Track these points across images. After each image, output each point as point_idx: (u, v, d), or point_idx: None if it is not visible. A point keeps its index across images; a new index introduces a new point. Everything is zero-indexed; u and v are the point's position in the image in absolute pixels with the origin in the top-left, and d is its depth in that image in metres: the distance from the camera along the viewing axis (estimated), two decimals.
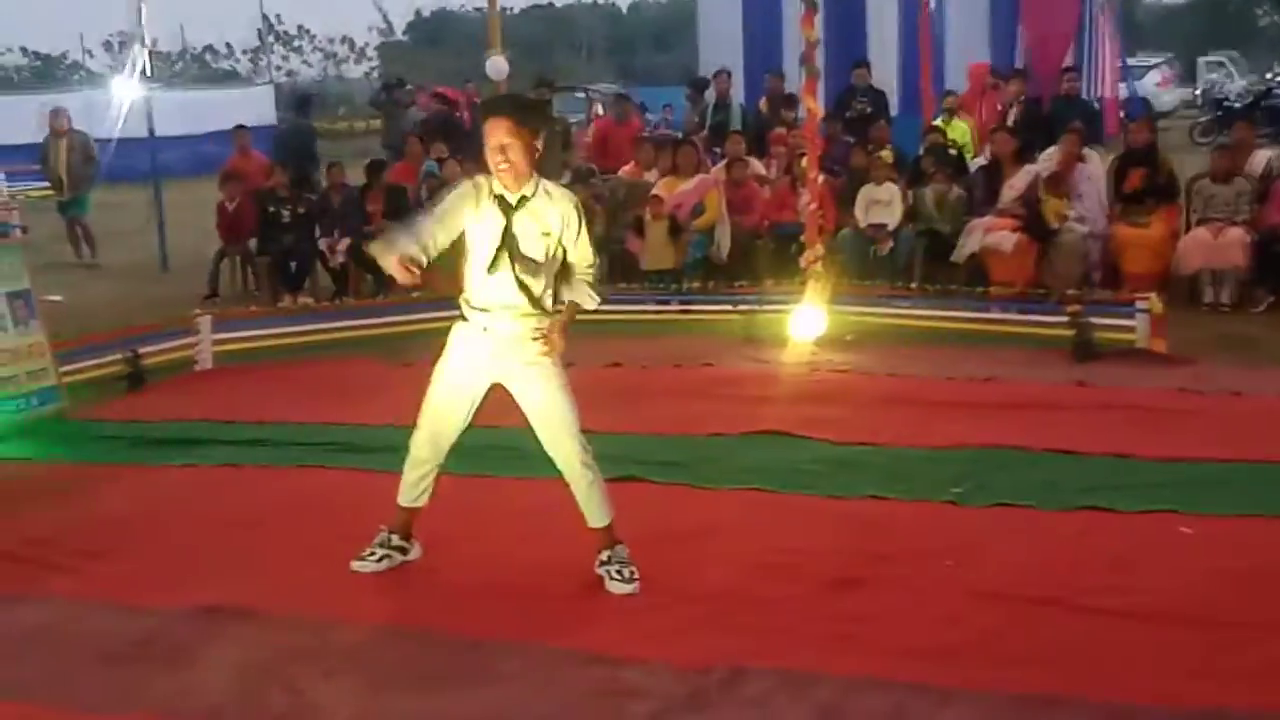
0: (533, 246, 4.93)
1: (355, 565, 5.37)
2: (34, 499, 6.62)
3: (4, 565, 5.63)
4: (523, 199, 4.91)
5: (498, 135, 4.85)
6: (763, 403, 7.90)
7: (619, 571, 5.11)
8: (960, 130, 13.21)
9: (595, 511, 5.17)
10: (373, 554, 5.40)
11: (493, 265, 4.94)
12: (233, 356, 9.64)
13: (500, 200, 4.91)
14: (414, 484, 5.34)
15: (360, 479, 6.71)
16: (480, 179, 4.99)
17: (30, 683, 4.49)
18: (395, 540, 5.43)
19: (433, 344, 9.87)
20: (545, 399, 5.07)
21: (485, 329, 5.05)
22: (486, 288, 5.00)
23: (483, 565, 5.42)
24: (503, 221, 4.90)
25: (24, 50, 58.30)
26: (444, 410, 5.20)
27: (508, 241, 4.91)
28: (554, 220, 4.95)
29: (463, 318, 5.14)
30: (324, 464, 7.01)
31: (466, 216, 4.94)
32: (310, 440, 7.47)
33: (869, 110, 13.84)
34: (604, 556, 5.16)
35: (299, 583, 5.30)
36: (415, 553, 5.48)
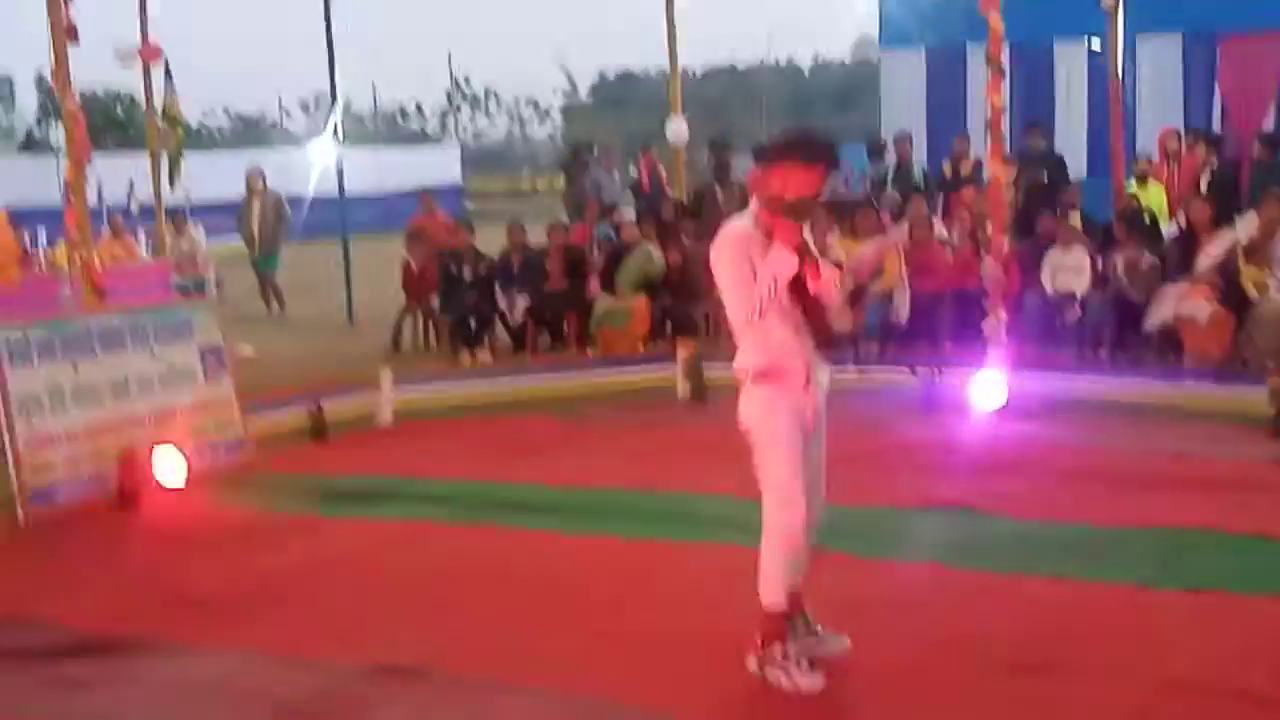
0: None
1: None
2: (217, 547, 6.84)
3: (186, 613, 5.79)
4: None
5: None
6: (941, 473, 7.69)
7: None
8: (1155, 195, 12.78)
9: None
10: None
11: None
12: (413, 412, 9.80)
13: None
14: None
15: (534, 539, 6.74)
16: (744, 228, 4.68)
17: None
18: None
19: (604, 405, 9.95)
20: (821, 449, 4.89)
21: (807, 383, 4.73)
22: (798, 340, 4.72)
23: (662, 636, 5.29)
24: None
25: (226, 111, 61.09)
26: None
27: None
28: None
29: (764, 384, 4.71)
30: (500, 523, 7.04)
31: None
32: (487, 499, 7.55)
33: (1044, 178, 13.40)
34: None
35: (472, 644, 5.30)
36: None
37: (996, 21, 9.28)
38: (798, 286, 4.64)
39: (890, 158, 15.12)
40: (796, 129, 5.20)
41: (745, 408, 4.75)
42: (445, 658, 5.12)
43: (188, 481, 7.95)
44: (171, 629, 5.58)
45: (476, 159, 49.09)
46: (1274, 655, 4.92)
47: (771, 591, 4.73)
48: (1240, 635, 5.11)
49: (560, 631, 5.41)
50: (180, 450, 7.99)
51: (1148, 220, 11.82)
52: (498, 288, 12.70)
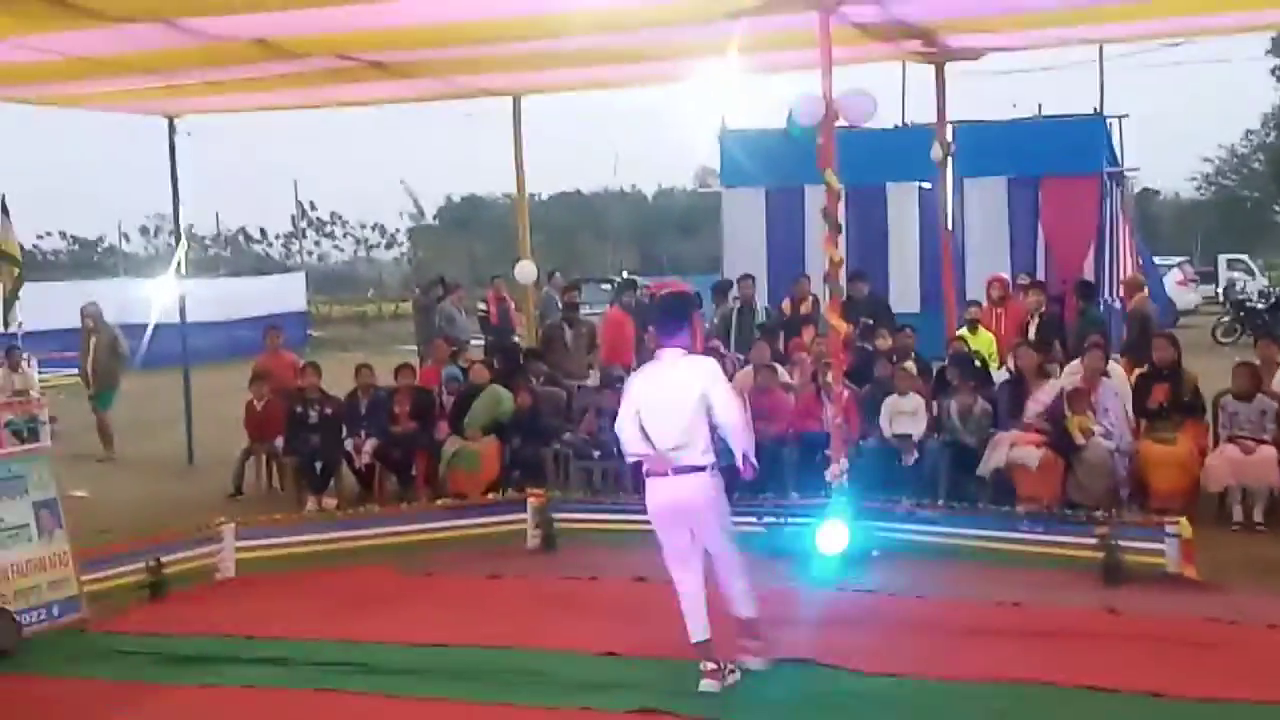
0: None
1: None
2: None
3: None
4: None
5: None
6: (783, 625, 7.71)
7: None
8: (985, 341, 13.27)
9: None
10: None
11: None
12: (256, 564, 9.59)
13: None
14: None
15: (376, 705, 6.63)
16: None
17: None
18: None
19: (453, 553, 9.80)
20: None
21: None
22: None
23: None
24: None
25: (62, 234, 59.64)
26: None
27: None
28: None
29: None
30: (342, 687, 6.91)
31: None
32: (329, 660, 7.39)
33: (870, 323, 13.72)
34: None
35: None
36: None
37: (832, 179, 9.62)
38: None
39: (734, 298, 15.45)
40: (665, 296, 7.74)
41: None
42: None
43: (17, 646, 7.66)
44: None
45: (322, 282, 48.65)
46: None
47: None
48: None
49: None
50: (9, 612, 7.70)
51: (978, 364, 12.23)
52: (344, 429, 12.56)
